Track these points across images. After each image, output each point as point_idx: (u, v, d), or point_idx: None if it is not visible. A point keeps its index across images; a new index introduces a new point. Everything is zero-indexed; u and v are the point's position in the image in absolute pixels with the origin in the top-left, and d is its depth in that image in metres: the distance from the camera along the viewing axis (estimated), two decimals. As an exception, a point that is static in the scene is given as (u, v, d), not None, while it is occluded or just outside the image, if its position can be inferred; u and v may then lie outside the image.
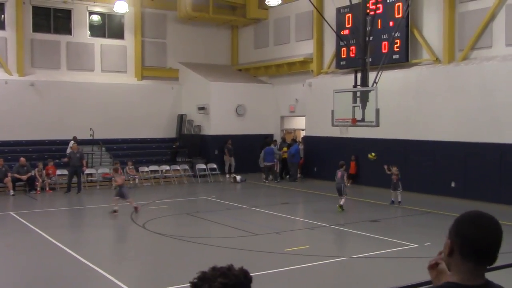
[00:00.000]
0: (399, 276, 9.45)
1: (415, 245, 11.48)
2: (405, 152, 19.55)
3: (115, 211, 15.55)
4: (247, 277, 1.98)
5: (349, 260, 10.82)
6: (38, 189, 20.27)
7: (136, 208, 15.61)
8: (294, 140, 25.15)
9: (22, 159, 20.31)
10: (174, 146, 25.50)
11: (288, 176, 24.09)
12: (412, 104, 19.33)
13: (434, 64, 19.17)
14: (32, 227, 13.83)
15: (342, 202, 15.93)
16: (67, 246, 11.64)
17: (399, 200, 16.91)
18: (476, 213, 2.26)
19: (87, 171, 22.13)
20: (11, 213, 16.20)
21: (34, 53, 24.51)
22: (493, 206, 16.41)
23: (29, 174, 20.28)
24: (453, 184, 18.06)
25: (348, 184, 21.22)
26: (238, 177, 23.53)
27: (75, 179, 20.38)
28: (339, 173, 16.07)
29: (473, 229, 2.18)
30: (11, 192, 19.61)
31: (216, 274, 1.94)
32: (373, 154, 17.88)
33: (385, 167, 17.17)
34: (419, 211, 16.18)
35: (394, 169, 16.94)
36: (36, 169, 20.49)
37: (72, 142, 22.65)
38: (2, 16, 23.97)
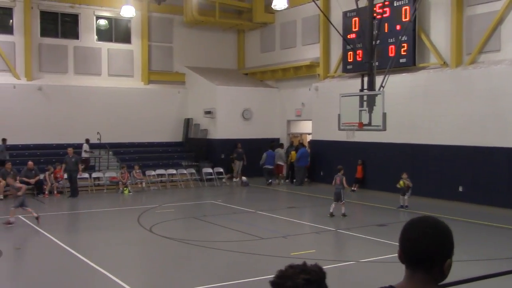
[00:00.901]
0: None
1: (423, 250, 11.40)
2: (412, 156, 19.47)
3: (10, 223, 14.39)
4: (323, 272, 2.04)
5: (355, 264, 10.78)
6: (46, 192, 20.36)
7: (37, 219, 14.53)
8: (302, 144, 25.12)
9: (30, 163, 20.40)
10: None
11: (294, 180, 24.11)
12: (419, 108, 19.27)
13: (442, 68, 19.10)
14: (40, 230, 13.87)
15: (343, 210, 15.71)
16: (74, 249, 11.68)
17: (406, 204, 16.86)
18: (418, 218, 2.28)
19: (94, 174, 22.25)
20: (19, 216, 16.25)
21: (41, 57, 24.65)
22: (501, 210, 16.34)
23: (37, 177, 20.36)
24: (460, 189, 17.97)
25: (355, 189, 21.25)
26: (244, 178, 23.75)
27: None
28: (337, 178, 15.86)
29: (407, 235, 2.23)
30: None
31: (297, 271, 1.97)
32: (401, 183, 17.22)
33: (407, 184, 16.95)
34: (426, 215, 16.10)
35: (405, 176, 16.86)
36: (47, 172, 20.61)
37: (85, 144, 22.89)
38: (11, 21, 24.14)
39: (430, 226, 2.21)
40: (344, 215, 15.67)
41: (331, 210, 15.64)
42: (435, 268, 2.18)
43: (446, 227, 2.24)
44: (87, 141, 23.25)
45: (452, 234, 2.23)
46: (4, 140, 22.25)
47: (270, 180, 24.03)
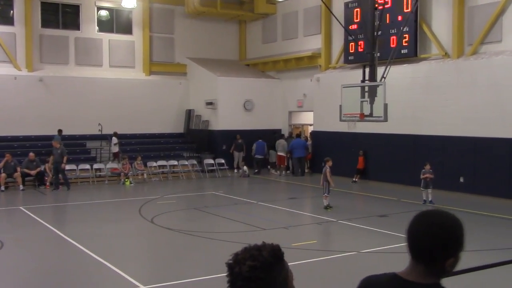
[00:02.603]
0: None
1: (423, 240, 11.43)
2: (413, 147, 19.47)
3: None
4: (276, 256, 2.06)
5: (357, 254, 10.82)
6: (47, 184, 20.39)
7: None
8: (298, 135, 25.13)
9: (31, 154, 20.43)
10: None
11: (289, 171, 24.53)
12: (420, 99, 19.23)
13: (443, 58, 19.05)
14: (41, 221, 13.93)
15: (325, 202, 15.36)
16: (75, 240, 11.72)
17: (430, 199, 16.07)
18: (424, 212, 2.27)
19: (96, 166, 22.27)
20: (20, 207, 16.32)
21: (42, 48, 24.61)
22: (502, 201, 16.36)
23: (38, 169, 20.39)
24: (461, 179, 17.98)
25: (356, 180, 21.28)
26: (245, 168, 23.96)
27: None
28: (323, 170, 15.42)
29: (410, 227, 2.23)
30: (21, 187, 19.74)
31: (246, 256, 2.02)
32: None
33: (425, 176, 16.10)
34: (428, 206, 16.13)
35: (428, 168, 16.05)
36: (47, 164, 20.42)
37: (113, 138, 23.26)
38: (11, 11, 24.07)
39: (436, 222, 2.17)
40: (325, 207, 15.37)
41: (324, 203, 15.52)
42: (436, 264, 2.17)
43: (455, 225, 2.19)
44: (115, 134, 23.51)
45: (461, 233, 2.19)
46: (60, 131, 22.77)
47: (257, 170, 24.46)
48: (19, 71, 23.79)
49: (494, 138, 16.95)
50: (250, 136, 25.36)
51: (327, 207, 15.40)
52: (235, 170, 24.80)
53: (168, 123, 27.05)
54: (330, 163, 15.52)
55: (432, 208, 2.31)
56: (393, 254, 10.53)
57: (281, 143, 24.72)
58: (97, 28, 25.94)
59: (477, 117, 17.44)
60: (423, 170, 16.18)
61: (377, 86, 16.06)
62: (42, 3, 24.65)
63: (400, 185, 19.33)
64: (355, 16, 21.81)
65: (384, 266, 9.93)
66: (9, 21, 24.01)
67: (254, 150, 24.84)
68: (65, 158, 20.08)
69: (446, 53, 19.00)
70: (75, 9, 25.48)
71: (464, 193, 17.52)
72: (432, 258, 2.16)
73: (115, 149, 23.41)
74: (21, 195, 19.13)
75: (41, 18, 24.63)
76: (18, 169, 19.97)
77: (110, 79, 25.62)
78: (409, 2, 19.50)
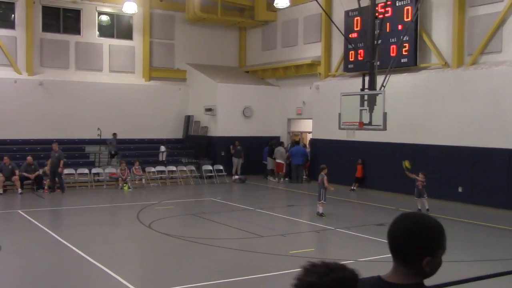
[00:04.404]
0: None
1: (421, 250, 11.42)
2: (412, 156, 19.43)
3: None
4: (342, 286, 1.90)
5: (354, 263, 10.80)
6: (46, 187, 20.35)
7: None
8: (297, 142, 25.16)
9: (29, 158, 20.42)
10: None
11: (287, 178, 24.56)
12: (420, 108, 19.27)
13: (443, 68, 19.10)
14: (39, 225, 13.90)
15: (320, 210, 15.32)
16: (73, 244, 11.69)
17: (427, 207, 16.02)
18: (403, 213, 2.32)
19: (94, 170, 22.24)
20: (19, 211, 16.29)
21: (43, 52, 24.64)
22: (501, 212, 16.35)
23: (37, 172, 20.38)
24: (460, 189, 17.98)
25: (355, 188, 21.27)
26: (237, 176, 24.22)
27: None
28: (319, 177, 15.42)
29: (389, 227, 2.28)
30: (19, 190, 19.71)
31: (320, 271, 1.91)
32: (406, 163, 16.74)
33: (413, 175, 16.31)
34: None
35: (421, 176, 16.14)
36: (46, 167, 20.44)
37: (162, 146, 24.36)
38: (12, 15, 24.12)
39: (413, 221, 2.23)
40: (319, 214, 15.35)
41: (318, 210, 15.49)
42: (415, 264, 2.21)
43: (432, 225, 2.23)
44: (163, 142, 24.54)
45: (438, 233, 2.22)
46: (114, 134, 24.07)
47: (293, 177, 24.32)
48: (19, 75, 23.81)
49: (493, 149, 16.96)
50: (249, 142, 25.39)
51: (322, 215, 15.37)
52: (233, 177, 24.78)
53: (167, 128, 27.05)
54: (325, 171, 15.50)
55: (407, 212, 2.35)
56: (391, 264, 10.52)
57: (279, 150, 24.73)
58: (97, 33, 25.98)
59: (476, 127, 17.46)
60: (414, 177, 16.29)
61: (377, 94, 16.08)
62: (44, 7, 24.70)
63: (398, 194, 19.31)
64: (355, 25, 21.87)
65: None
66: (10, 25, 24.05)
67: (290, 157, 24.13)
68: (61, 162, 20.06)
69: (446, 63, 19.05)
70: (76, 13, 25.54)
71: (462, 203, 17.51)
72: (409, 257, 2.21)
73: (164, 157, 24.31)
74: (19, 198, 19.10)
75: (42, 22, 24.67)
76: (17, 172, 19.95)
77: (110, 84, 25.64)
78: (410, 12, 19.57)
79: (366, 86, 16.98)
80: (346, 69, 22.73)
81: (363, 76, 17.43)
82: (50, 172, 20.11)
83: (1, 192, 19.46)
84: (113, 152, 24.19)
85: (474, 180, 17.54)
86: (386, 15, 19.15)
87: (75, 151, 23.75)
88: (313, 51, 24.90)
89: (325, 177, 15.31)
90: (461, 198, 17.77)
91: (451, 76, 18.54)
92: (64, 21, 25.40)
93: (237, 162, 25.16)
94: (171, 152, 25.83)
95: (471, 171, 17.61)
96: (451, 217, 15.08)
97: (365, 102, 16.26)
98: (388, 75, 16.42)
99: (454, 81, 18.39)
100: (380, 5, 19.00)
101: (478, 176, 17.42)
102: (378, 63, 17.27)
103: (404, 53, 19.62)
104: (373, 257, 10.96)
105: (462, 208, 17.02)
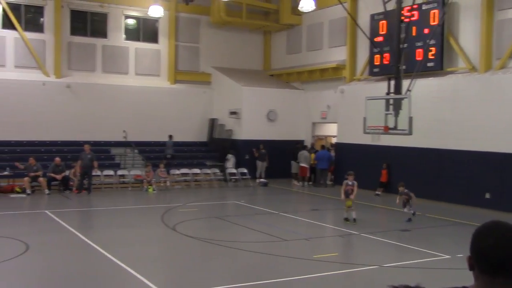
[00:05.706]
0: (430, 286, 9.29)
1: (447, 256, 11.29)
2: (438, 161, 19.24)
3: None
4: None
5: (378, 269, 10.70)
6: (75, 188, 20.64)
7: None
8: (323, 147, 25.07)
9: (57, 159, 20.75)
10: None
11: (311, 183, 24.47)
12: (446, 112, 19.02)
13: (470, 72, 18.84)
14: (66, 225, 14.10)
15: (354, 214, 15.17)
16: (98, 245, 11.83)
17: (412, 211, 15.49)
18: (491, 223, 2.15)
19: (120, 172, 22.52)
20: (46, 211, 16.56)
21: (71, 55, 25.06)
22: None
23: (64, 173, 20.70)
24: (487, 196, 17.69)
25: (379, 193, 21.08)
26: (261, 180, 24.25)
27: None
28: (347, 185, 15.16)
29: (485, 241, 2.09)
30: (47, 191, 20.04)
31: None
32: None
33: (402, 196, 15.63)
34: (451, 221, 15.91)
35: (401, 189, 15.57)
36: (72, 169, 20.81)
37: (229, 155, 24.55)
38: (41, 19, 24.59)
39: (509, 229, 2.08)
40: (347, 219, 15.30)
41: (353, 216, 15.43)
42: None
43: None
44: (232, 152, 24.73)
45: None
46: (170, 136, 24.53)
47: (321, 181, 24.19)
48: (47, 77, 24.25)
49: (522, 154, 16.64)
50: (273, 146, 25.40)
51: (354, 220, 15.13)
52: (257, 180, 24.79)
53: (191, 131, 27.22)
54: (351, 177, 15.32)
55: (489, 221, 2.22)
56: (416, 270, 10.40)
57: (303, 154, 24.65)
58: (124, 36, 26.32)
59: (504, 132, 17.16)
60: (399, 192, 15.62)
61: (402, 99, 15.94)
62: (72, 11, 25.13)
63: (423, 200, 19.07)
64: (380, 28, 21.72)
65: (406, 282, 9.81)
66: (40, 28, 24.52)
67: (316, 161, 24.02)
68: (95, 163, 20.57)
69: (473, 67, 18.78)
70: (103, 17, 25.90)
71: (490, 209, 17.21)
72: None
73: (231, 166, 24.57)
74: (46, 199, 19.42)
75: (70, 25, 25.10)
76: (40, 173, 20.25)
77: (136, 86, 25.93)
78: (436, 15, 19.36)
79: (392, 90, 16.85)
80: (371, 73, 22.58)
81: (389, 80, 17.29)
82: (81, 173, 20.44)
83: (30, 192, 19.80)
84: (168, 156, 24.54)
85: (502, 187, 17.23)
86: (412, 18, 18.98)
87: (101, 153, 24.02)
88: (338, 54, 24.81)
89: (355, 184, 15.23)
90: (489, 204, 17.47)
91: (479, 80, 18.27)
92: (91, 24, 25.79)
93: (261, 165, 25.14)
94: (195, 155, 25.99)
95: (500, 177, 17.30)
96: (477, 223, 14.79)
97: (391, 106, 16.14)
98: (414, 79, 16.27)
99: (481, 86, 18.12)
100: (406, 8, 18.82)
101: (506, 182, 17.11)
102: (404, 67, 17.12)
103: (430, 57, 19.41)
104: (398, 263, 10.86)
105: (490, 215, 16.71)
